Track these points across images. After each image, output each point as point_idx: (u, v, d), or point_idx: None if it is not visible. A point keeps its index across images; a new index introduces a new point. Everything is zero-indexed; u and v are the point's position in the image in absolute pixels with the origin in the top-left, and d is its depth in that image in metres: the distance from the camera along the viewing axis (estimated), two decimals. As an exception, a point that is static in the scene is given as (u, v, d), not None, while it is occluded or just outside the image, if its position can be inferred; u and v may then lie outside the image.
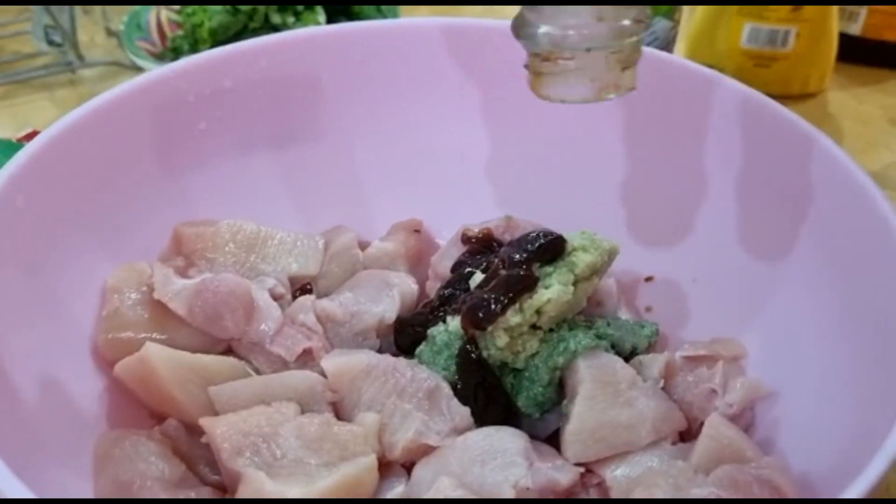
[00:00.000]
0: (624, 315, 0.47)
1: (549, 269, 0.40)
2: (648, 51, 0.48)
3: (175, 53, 0.85)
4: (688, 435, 0.40)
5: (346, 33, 0.50)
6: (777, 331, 0.43)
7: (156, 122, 0.45)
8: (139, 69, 0.92)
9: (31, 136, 0.77)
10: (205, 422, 0.37)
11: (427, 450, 0.38)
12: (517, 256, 0.40)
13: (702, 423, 0.39)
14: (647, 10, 0.35)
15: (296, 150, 0.51)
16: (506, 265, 0.40)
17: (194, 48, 0.83)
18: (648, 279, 0.50)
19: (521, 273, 0.39)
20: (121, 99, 0.43)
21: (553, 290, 0.39)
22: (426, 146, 0.53)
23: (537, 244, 0.40)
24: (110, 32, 0.97)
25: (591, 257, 0.41)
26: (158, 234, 0.46)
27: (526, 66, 0.36)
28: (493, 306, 0.39)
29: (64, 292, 0.40)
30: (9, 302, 0.36)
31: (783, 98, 0.45)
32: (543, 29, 0.33)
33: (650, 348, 0.44)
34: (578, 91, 0.34)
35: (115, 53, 0.95)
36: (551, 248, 0.40)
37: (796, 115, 0.43)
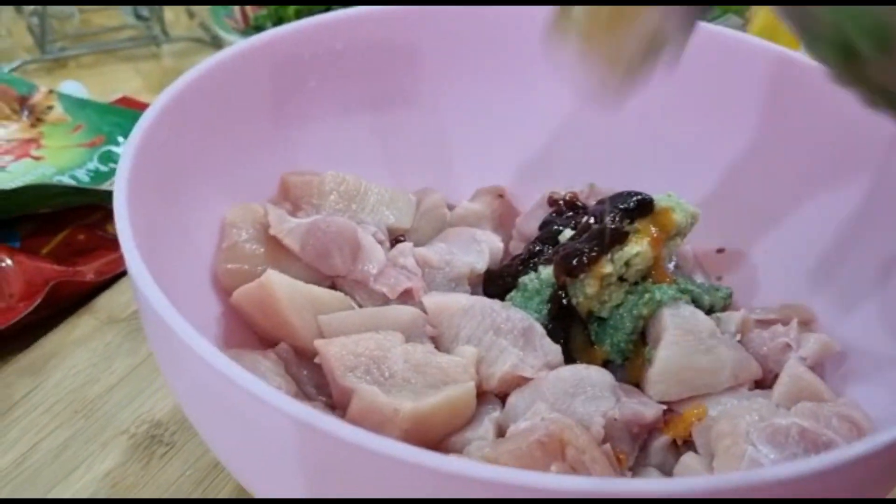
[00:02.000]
0: (699, 279, 0.50)
1: (638, 225, 0.43)
2: (732, 32, 0.51)
3: (259, 30, 0.89)
4: (762, 385, 0.42)
5: (444, 8, 0.53)
6: (844, 298, 0.46)
7: (273, 77, 0.49)
8: (219, 46, 0.97)
9: (122, 101, 0.82)
10: (319, 343, 0.40)
11: (521, 381, 0.41)
12: (609, 212, 0.43)
13: (776, 375, 0.42)
14: None
15: (391, 114, 0.55)
16: (598, 220, 0.43)
17: (278, 25, 0.87)
18: (720, 251, 0.52)
19: (613, 226, 0.42)
20: (245, 52, 0.47)
21: (642, 244, 0.42)
22: (511, 116, 0.57)
23: (628, 201, 0.43)
24: (191, 13, 1.02)
25: (677, 217, 0.44)
26: (266, 181, 0.50)
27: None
28: (585, 255, 0.42)
29: (191, 225, 0.44)
30: (148, 225, 0.40)
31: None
32: None
33: (725, 309, 0.47)
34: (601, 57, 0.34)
35: (195, 31, 1.00)
36: (641, 206, 0.43)
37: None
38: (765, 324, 0.45)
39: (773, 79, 0.49)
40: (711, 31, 0.51)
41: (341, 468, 0.29)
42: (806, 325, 0.45)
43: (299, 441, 0.29)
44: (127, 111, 0.79)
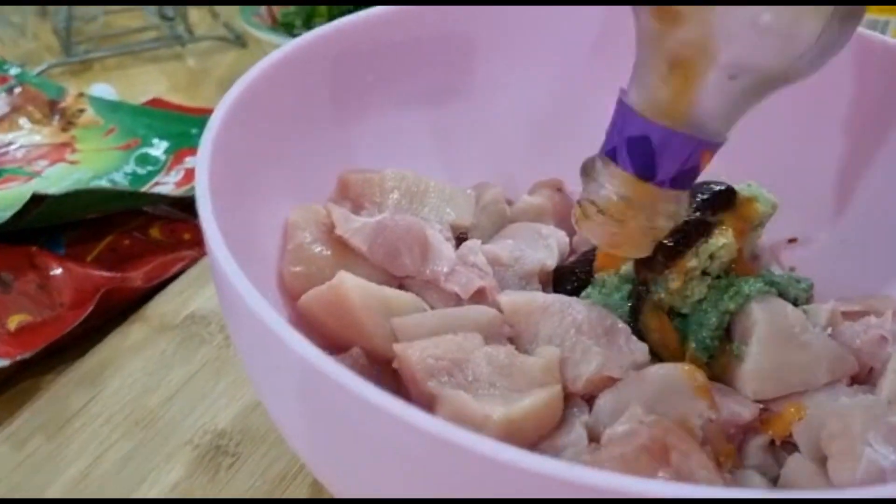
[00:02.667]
0: (777, 271, 0.48)
1: (720, 217, 0.42)
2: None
3: (286, 29, 0.87)
4: (857, 380, 0.41)
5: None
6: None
7: (331, 72, 0.47)
8: (243, 45, 0.95)
9: (153, 102, 0.80)
10: (399, 347, 0.39)
11: (608, 382, 0.39)
12: (692, 204, 0.41)
13: (871, 369, 0.40)
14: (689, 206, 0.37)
15: (448, 107, 0.53)
16: (679, 212, 0.42)
17: (308, 23, 0.86)
18: (792, 241, 0.51)
19: (697, 219, 0.41)
20: (304, 47, 0.45)
21: (727, 236, 0.41)
22: (568, 110, 0.55)
23: (710, 193, 0.42)
24: (214, 13, 1.01)
25: (760, 206, 0.42)
26: (325, 180, 0.48)
27: (578, 201, 0.38)
28: (670, 249, 0.40)
29: (254, 226, 0.42)
30: (225, 225, 0.38)
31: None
32: (610, 188, 0.36)
33: (808, 302, 0.45)
34: (609, 244, 0.38)
35: (219, 31, 0.99)
36: (723, 198, 0.42)
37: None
38: (852, 315, 0.43)
39: (846, 62, 0.47)
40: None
41: (447, 471, 0.27)
42: (893, 316, 0.43)
43: (405, 443, 0.28)
44: (160, 112, 0.77)
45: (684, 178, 0.36)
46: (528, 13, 0.52)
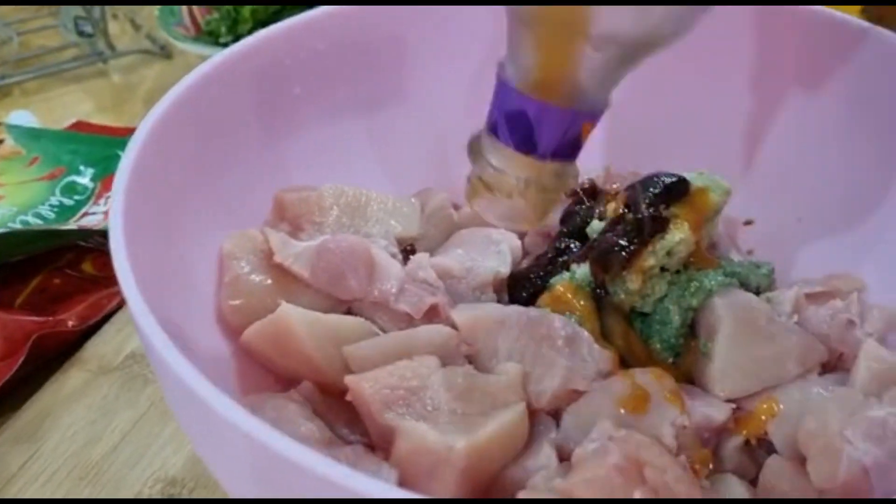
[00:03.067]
0: (736, 257, 0.47)
1: (675, 210, 0.40)
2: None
3: (212, 36, 0.84)
4: (827, 367, 0.40)
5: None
6: (893, 261, 0.43)
7: (255, 88, 0.44)
8: (168, 57, 0.91)
9: (77, 126, 0.76)
10: (350, 380, 0.36)
11: (574, 396, 0.37)
12: (643, 199, 0.40)
13: (841, 355, 0.39)
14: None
15: (383, 114, 0.51)
16: (631, 208, 0.40)
17: (233, 29, 0.82)
18: (748, 223, 0.50)
19: (652, 214, 0.39)
20: (226, 63, 0.42)
21: (683, 230, 0.39)
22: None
23: (662, 185, 0.40)
24: (136, 24, 0.97)
25: (714, 196, 0.40)
26: (261, 202, 0.46)
27: (468, 178, 0.38)
28: (625, 250, 0.39)
29: (189, 257, 0.40)
30: (145, 265, 0.35)
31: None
32: (495, 163, 0.35)
33: (770, 287, 0.44)
34: (501, 218, 0.38)
35: (142, 43, 0.95)
36: (676, 189, 0.40)
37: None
38: (816, 298, 0.42)
39: (791, 39, 0.46)
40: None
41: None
42: (858, 298, 0.42)
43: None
44: (84, 136, 0.74)
45: (566, 150, 0.35)
46: (458, 13, 0.50)
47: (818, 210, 0.47)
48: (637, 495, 0.30)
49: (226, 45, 0.82)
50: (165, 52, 0.92)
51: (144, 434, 0.46)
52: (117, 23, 0.96)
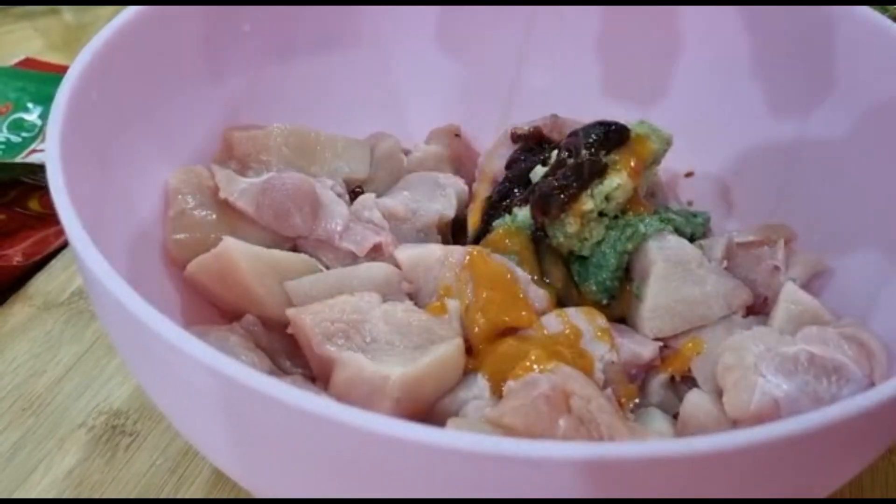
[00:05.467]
0: (674, 206, 0.48)
1: (614, 156, 0.41)
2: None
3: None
4: (753, 309, 0.41)
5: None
6: (822, 212, 0.44)
7: (202, 24, 0.44)
8: (123, -3, 0.89)
9: (25, 63, 0.75)
10: (292, 312, 0.37)
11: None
12: (584, 145, 0.41)
13: (766, 299, 0.41)
14: None
15: (334, 55, 0.51)
16: (572, 154, 0.41)
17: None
18: (688, 174, 0.51)
19: (591, 159, 0.40)
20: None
21: (622, 176, 0.40)
22: (459, 53, 0.53)
23: (604, 132, 0.41)
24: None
25: (654, 144, 0.42)
26: (208, 139, 0.46)
27: None
28: (564, 193, 0.40)
29: (132, 191, 0.40)
30: (86, 198, 0.36)
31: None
32: None
33: (704, 236, 0.45)
34: None
35: (97, -19, 0.92)
36: (616, 136, 0.41)
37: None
38: (747, 246, 0.43)
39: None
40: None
41: (332, 450, 0.26)
42: (787, 244, 0.44)
43: (287, 424, 0.26)
44: (33, 73, 0.72)
45: None
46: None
47: (754, 164, 0.48)
48: (561, 423, 0.32)
49: None
50: (119, -8, 0.90)
51: (89, 367, 0.47)
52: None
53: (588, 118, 0.47)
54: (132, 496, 0.41)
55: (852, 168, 0.43)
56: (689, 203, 0.51)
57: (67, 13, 0.89)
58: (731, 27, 0.48)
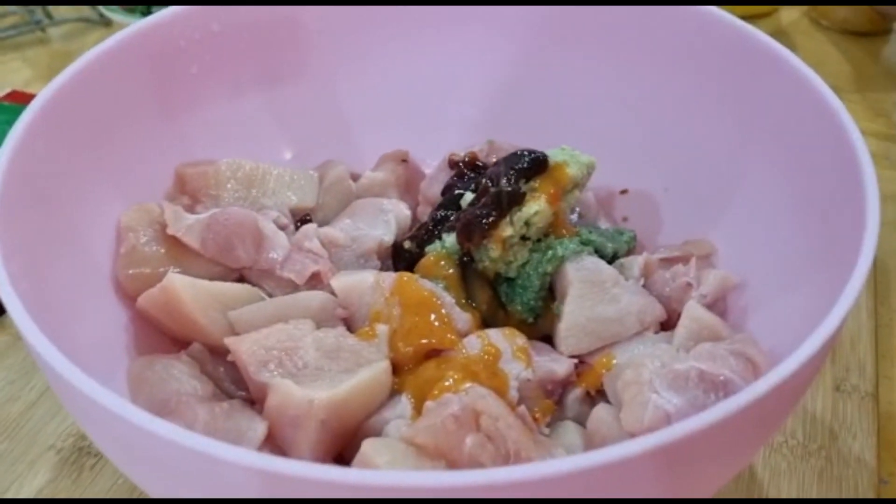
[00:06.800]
0: (603, 225, 0.50)
1: (534, 184, 0.44)
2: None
3: (145, 4, 0.86)
4: (668, 325, 0.44)
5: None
6: (742, 229, 0.47)
7: (151, 68, 0.47)
8: (107, 24, 0.93)
9: (12, 97, 0.78)
10: (230, 341, 0.40)
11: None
12: (504, 174, 0.43)
13: (680, 314, 0.43)
14: None
15: (283, 90, 0.54)
16: (494, 183, 0.43)
17: (164, -1, 0.84)
18: (623, 192, 0.53)
19: (509, 189, 0.43)
20: (119, 47, 0.45)
21: (540, 203, 0.43)
22: (406, 79, 0.56)
23: (522, 162, 0.43)
24: (76, -12, 0.97)
25: (572, 171, 0.44)
26: (161, 176, 0.49)
27: None
28: (485, 221, 0.42)
29: (83, 231, 0.43)
30: (38, 238, 0.39)
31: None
32: None
33: (629, 253, 0.48)
34: None
35: (81, 10, 0.96)
36: (535, 165, 0.44)
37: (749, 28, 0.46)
38: (668, 262, 0.46)
39: (659, 24, 0.49)
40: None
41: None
42: (706, 258, 0.46)
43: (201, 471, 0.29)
44: (18, 107, 0.75)
45: None
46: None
47: (681, 182, 0.51)
48: (468, 440, 0.35)
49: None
50: (105, 20, 0.93)
51: (60, 392, 0.50)
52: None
53: (526, 142, 0.50)
54: (95, 513, 0.44)
55: (765, 186, 0.46)
56: (625, 219, 0.53)
57: (55, 43, 0.93)
58: (657, 51, 0.51)
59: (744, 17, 0.47)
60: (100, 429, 0.33)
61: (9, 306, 0.32)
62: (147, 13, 0.84)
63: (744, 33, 0.46)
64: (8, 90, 0.80)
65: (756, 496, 0.44)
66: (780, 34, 0.85)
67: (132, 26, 0.46)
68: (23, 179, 0.38)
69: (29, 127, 0.40)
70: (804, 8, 0.88)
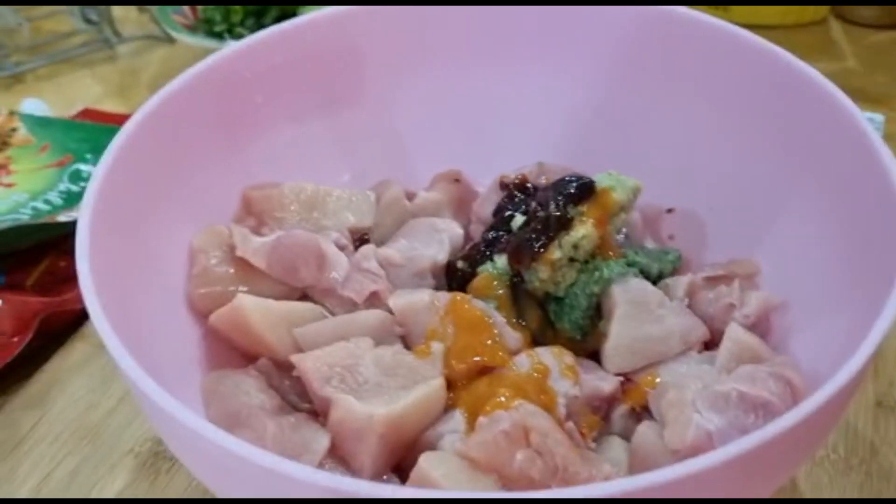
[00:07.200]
0: (649, 244, 0.52)
1: (581, 208, 0.46)
2: (658, 8, 0.52)
3: (208, 24, 0.89)
4: (711, 345, 0.45)
5: (379, 7, 0.55)
6: (786, 249, 0.48)
7: (219, 100, 0.50)
8: (172, 41, 0.97)
9: (84, 114, 0.83)
10: (295, 358, 0.43)
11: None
12: (553, 200, 0.45)
13: (723, 333, 0.45)
14: None
15: (342, 115, 0.56)
16: (544, 208, 0.46)
17: (226, 17, 0.88)
18: (669, 211, 0.55)
19: (558, 214, 0.45)
20: (190, 81, 0.48)
21: (587, 227, 0.45)
22: (459, 102, 0.58)
23: (570, 187, 0.46)
24: (142, 8, 1.02)
25: (618, 195, 0.46)
26: (229, 199, 0.52)
27: None
28: (535, 244, 0.45)
29: (159, 252, 0.46)
30: (120, 259, 0.42)
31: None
32: None
33: (674, 272, 0.49)
34: None
35: (148, 28, 1.00)
36: (582, 191, 0.46)
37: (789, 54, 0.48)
38: (713, 281, 0.47)
39: (705, 50, 0.51)
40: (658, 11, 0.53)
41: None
42: (750, 278, 0.48)
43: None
44: (91, 126, 0.80)
45: None
46: (407, 19, 0.55)
47: (725, 201, 0.52)
48: (518, 456, 0.37)
49: (220, 34, 0.87)
50: (169, 38, 0.98)
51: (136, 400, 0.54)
52: (123, 9, 1.02)
53: (576, 163, 0.52)
54: (171, 515, 0.48)
55: (807, 207, 0.47)
56: (671, 237, 0.55)
57: (122, 59, 0.97)
58: (707, 75, 0.52)
59: (794, 26, 0.48)
60: (175, 439, 0.36)
61: (96, 322, 0.36)
62: (209, 32, 0.88)
63: (790, 65, 0.47)
64: (81, 107, 0.85)
65: (798, 510, 0.45)
66: (829, 43, 0.85)
67: (202, 62, 0.49)
68: (109, 206, 0.41)
69: (114, 158, 0.43)
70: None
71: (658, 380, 0.42)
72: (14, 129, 0.80)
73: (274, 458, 0.30)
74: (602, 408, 0.43)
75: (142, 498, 0.48)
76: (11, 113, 0.81)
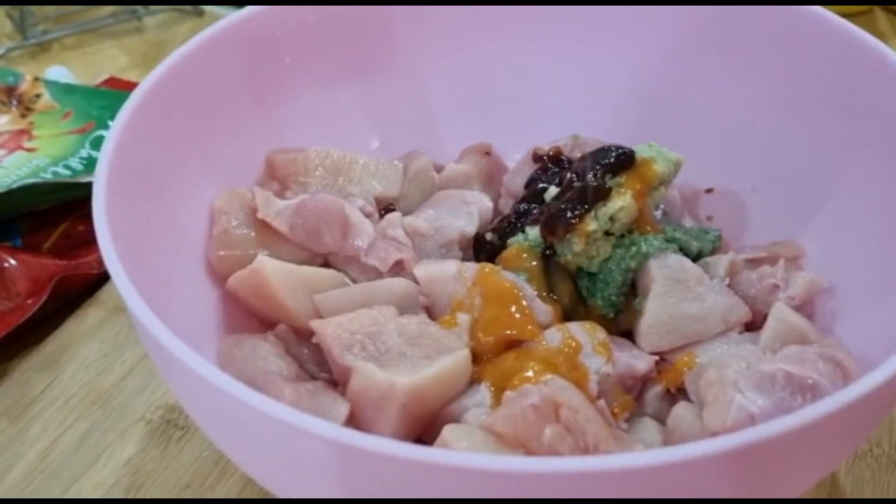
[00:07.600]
0: (688, 223, 0.50)
1: (620, 179, 0.43)
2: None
3: (237, -4, 0.88)
4: (752, 326, 0.43)
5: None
6: (832, 230, 0.46)
7: (247, 57, 0.49)
8: (200, 14, 0.96)
9: (109, 82, 0.82)
10: (315, 324, 0.41)
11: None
12: (591, 169, 0.43)
13: (765, 315, 0.42)
14: None
15: (372, 80, 0.55)
16: (580, 177, 0.44)
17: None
18: (709, 191, 0.53)
19: (595, 184, 0.43)
20: (216, 37, 0.47)
21: (625, 199, 0.43)
22: (492, 73, 0.57)
23: (609, 156, 0.43)
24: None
25: (659, 167, 0.44)
26: (253, 162, 0.50)
27: None
28: (569, 215, 0.43)
29: (179, 213, 0.45)
30: (139, 219, 0.41)
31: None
32: None
33: (714, 252, 0.47)
34: None
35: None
36: (622, 160, 0.43)
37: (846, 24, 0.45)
38: (755, 262, 0.45)
39: (750, 20, 0.49)
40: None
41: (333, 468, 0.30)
42: (794, 261, 0.46)
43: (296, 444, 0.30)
44: (115, 93, 0.79)
45: None
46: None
47: (771, 181, 0.50)
48: (547, 431, 0.35)
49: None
50: (197, 10, 0.96)
51: (149, 367, 0.52)
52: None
53: (611, 138, 0.50)
54: (181, 483, 0.46)
55: (859, 190, 0.44)
56: (709, 218, 0.52)
57: (149, 32, 0.96)
58: (755, 47, 0.50)
59: (841, 16, 0.46)
60: (192, 394, 0.34)
61: (113, 273, 0.34)
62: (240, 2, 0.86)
63: (851, 35, 0.45)
64: (105, 76, 0.83)
65: (838, 505, 0.43)
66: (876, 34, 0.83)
67: (229, 17, 0.48)
68: (127, 163, 0.40)
69: (132, 115, 0.41)
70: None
71: (697, 360, 0.40)
72: (38, 96, 0.79)
73: (294, 413, 0.28)
74: (635, 388, 0.41)
75: (128, 498, 0.46)
76: (36, 79, 0.80)
